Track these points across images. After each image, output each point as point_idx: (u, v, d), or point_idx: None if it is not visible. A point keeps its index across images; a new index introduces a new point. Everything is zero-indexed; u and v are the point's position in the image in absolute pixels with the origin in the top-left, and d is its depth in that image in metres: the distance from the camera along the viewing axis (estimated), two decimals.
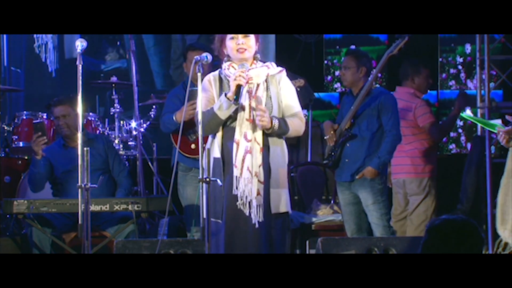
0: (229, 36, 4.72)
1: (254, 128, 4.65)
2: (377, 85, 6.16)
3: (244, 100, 4.64)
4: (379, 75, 6.90)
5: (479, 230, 3.43)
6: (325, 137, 6.19)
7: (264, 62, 4.79)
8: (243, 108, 4.65)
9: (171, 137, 6.09)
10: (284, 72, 4.81)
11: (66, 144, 6.34)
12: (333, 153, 6.07)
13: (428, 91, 8.95)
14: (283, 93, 4.74)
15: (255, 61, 4.75)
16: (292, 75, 5.79)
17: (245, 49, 4.70)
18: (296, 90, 6.67)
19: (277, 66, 4.82)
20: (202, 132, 4.51)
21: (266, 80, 4.73)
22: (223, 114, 4.63)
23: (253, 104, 4.62)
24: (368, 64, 6.09)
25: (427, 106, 6.84)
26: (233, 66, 4.72)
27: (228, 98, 4.59)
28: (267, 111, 4.62)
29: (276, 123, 4.61)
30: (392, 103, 6.03)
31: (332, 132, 6.09)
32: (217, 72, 4.80)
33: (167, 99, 6.31)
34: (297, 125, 4.71)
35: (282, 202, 4.68)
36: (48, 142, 6.14)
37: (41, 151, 6.14)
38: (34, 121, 6.88)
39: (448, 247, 3.37)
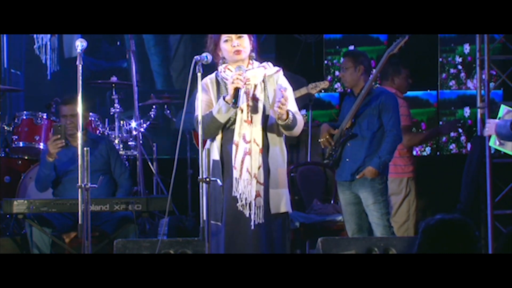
0: (223, 38, 4.70)
1: (252, 129, 4.64)
2: (378, 85, 6.16)
3: (242, 101, 4.63)
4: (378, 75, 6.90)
5: (473, 229, 3.43)
6: (319, 140, 6.21)
7: (261, 62, 4.78)
8: (241, 110, 4.64)
9: (189, 134, 6.09)
10: (281, 72, 4.80)
11: (69, 143, 6.33)
12: (333, 153, 6.08)
13: (429, 90, 9.00)
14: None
15: (250, 61, 4.74)
16: (292, 75, 5.80)
17: (241, 50, 4.69)
18: (321, 91, 6.69)
19: (274, 65, 4.81)
20: (202, 135, 4.50)
21: (263, 81, 4.72)
22: (222, 118, 4.62)
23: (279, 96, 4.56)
24: (366, 62, 6.10)
25: (407, 109, 6.89)
26: (229, 69, 4.71)
27: (226, 102, 4.59)
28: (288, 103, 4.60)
29: (291, 115, 4.60)
30: (393, 103, 6.04)
31: (327, 136, 6.11)
32: (213, 74, 4.79)
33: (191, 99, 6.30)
34: (300, 121, 4.71)
35: (281, 202, 4.67)
36: (63, 146, 6.12)
37: (56, 154, 6.12)
38: (54, 124, 6.74)
39: (443, 247, 3.38)
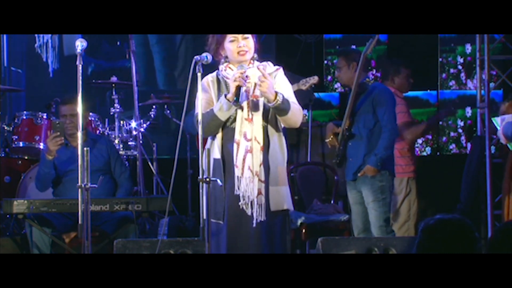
0: (228, 38, 4.71)
1: (253, 127, 4.64)
2: (374, 82, 6.17)
3: (243, 100, 4.63)
4: (378, 74, 6.94)
5: (473, 229, 3.43)
6: (326, 140, 6.24)
7: (261, 62, 4.78)
8: (242, 108, 4.64)
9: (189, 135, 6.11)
10: (281, 70, 4.80)
11: (69, 143, 6.32)
12: (339, 152, 6.12)
13: (429, 90, 8.99)
14: (279, 89, 4.72)
15: (252, 61, 4.75)
16: (292, 75, 5.80)
17: (246, 51, 4.70)
18: (311, 86, 6.70)
19: (274, 65, 4.82)
20: (202, 133, 4.51)
21: None
22: (223, 116, 4.63)
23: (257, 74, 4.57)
24: (358, 58, 6.10)
25: (405, 106, 6.92)
26: (230, 67, 4.72)
27: (228, 100, 4.59)
28: (270, 80, 4.58)
29: (280, 96, 4.59)
30: (386, 97, 6.03)
31: (331, 136, 6.13)
32: (214, 73, 4.80)
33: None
34: (296, 109, 4.70)
35: (281, 200, 4.68)
36: (63, 143, 6.11)
37: (55, 151, 6.11)
38: (53, 121, 6.67)
39: (443, 247, 3.38)
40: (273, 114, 4.69)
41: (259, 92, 4.66)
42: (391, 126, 5.97)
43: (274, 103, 4.59)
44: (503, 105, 6.46)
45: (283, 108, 4.61)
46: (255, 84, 4.68)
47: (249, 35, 4.72)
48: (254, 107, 4.66)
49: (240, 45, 4.69)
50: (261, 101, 4.69)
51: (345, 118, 6.05)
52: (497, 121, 5.84)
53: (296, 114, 4.70)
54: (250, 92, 4.67)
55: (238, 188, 4.62)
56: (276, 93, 4.59)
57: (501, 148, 6.24)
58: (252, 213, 4.61)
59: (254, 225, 4.60)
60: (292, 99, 4.72)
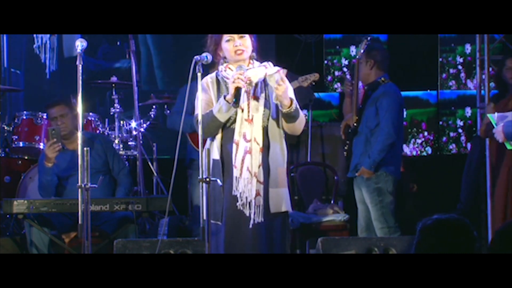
0: (225, 38, 4.70)
1: (253, 128, 4.64)
2: (389, 82, 6.16)
3: (243, 101, 4.63)
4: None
5: (471, 229, 3.43)
6: (341, 126, 6.31)
7: (261, 62, 4.78)
8: (241, 109, 4.64)
9: (187, 135, 6.13)
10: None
11: (65, 147, 6.30)
12: (346, 147, 6.17)
13: (429, 90, 8.98)
14: None
15: (251, 61, 4.74)
16: (292, 75, 5.81)
17: (243, 50, 4.69)
18: (312, 84, 6.74)
19: (275, 65, 4.81)
20: (202, 134, 4.51)
21: (264, 80, 4.72)
22: (222, 117, 4.62)
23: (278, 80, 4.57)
24: (378, 57, 6.11)
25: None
26: (229, 68, 4.71)
27: (227, 101, 4.59)
28: (288, 84, 4.59)
29: (295, 104, 4.60)
30: (390, 101, 6.04)
31: (344, 126, 6.22)
32: (214, 74, 4.79)
33: (178, 97, 6.33)
34: (302, 117, 4.72)
35: (281, 202, 4.67)
36: (61, 149, 6.10)
37: (54, 158, 6.10)
38: (49, 127, 6.65)
39: (441, 246, 3.37)
40: (275, 115, 4.69)
41: (263, 95, 4.66)
42: (387, 129, 5.99)
43: (288, 109, 4.59)
44: (492, 105, 6.40)
45: (294, 115, 4.62)
46: (256, 84, 4.68)
47: (246, 34, 4.71)
48: (254, 108, 4.65)
49: (236, 44, 4.68)
50: (261, 102, 4.68)
51: (353, 114, 6.10)
52: (493, 118, 5.77)
53: (302, 122, 4.72)
54: (250, 93, 4.66)
55: (236, 189, 4.62)
56: (291, 99, 4.59)
57: (498, 148, 6.20)
58: (250, 214, 4.61)
59: (251, 226, 4.60)
60: (297, 104, 4.73)
